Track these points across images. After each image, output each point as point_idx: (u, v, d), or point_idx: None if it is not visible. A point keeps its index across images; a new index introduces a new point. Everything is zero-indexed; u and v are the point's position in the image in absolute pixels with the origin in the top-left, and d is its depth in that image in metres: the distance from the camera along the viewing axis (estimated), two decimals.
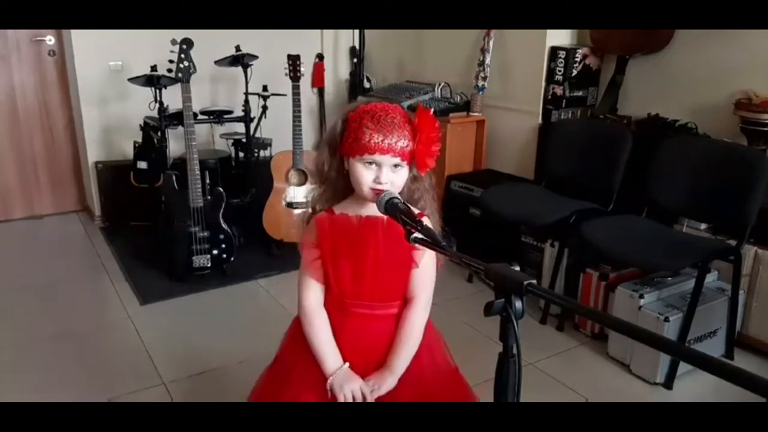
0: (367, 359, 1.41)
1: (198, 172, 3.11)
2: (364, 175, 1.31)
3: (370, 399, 1.35)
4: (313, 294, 1.42)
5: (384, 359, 1.41)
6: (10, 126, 4.05)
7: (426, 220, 1.34)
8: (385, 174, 1.30)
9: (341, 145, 1.35)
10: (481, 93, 3.64)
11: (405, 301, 1.43)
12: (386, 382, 1.37)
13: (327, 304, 1.42)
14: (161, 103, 3.44)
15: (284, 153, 3.49)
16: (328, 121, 4.62)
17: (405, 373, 1.40)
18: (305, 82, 4.23)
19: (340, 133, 1.36)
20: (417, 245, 1.13)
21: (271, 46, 3.75)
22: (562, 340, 2.72)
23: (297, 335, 1.47)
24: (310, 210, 1.44)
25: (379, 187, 1.30)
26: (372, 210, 1.33)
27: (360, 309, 1.40)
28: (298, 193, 3.46)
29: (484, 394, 1.48)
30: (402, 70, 4.42)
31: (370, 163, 1.31)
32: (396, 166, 1.32)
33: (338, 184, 1.40)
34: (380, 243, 1.36)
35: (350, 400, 1.34)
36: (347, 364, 1.38)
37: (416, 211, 1.29)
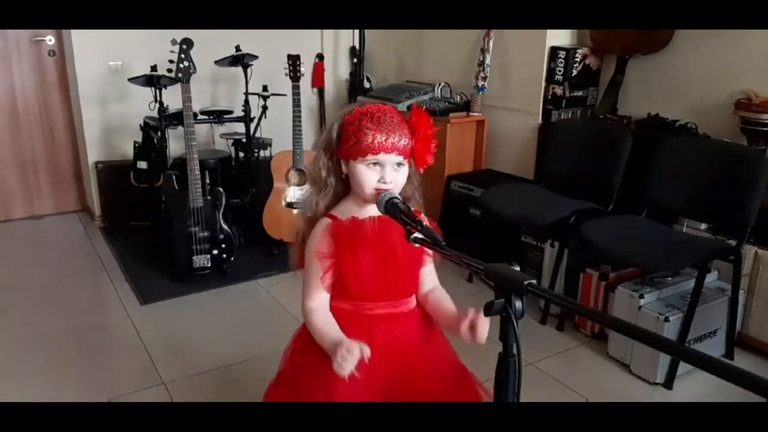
0: (399, 362, 1.40)
1: (198, 172, 3.11)
2: (368, 176, 1.32)
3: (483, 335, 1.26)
4: (321, 297, 1.39)
5: (414, 358, 1.42)
6: (11, 126, 4.05)
7: (424, 218, 1.34)
8: (388, 173, 1.31)
9: (339, 149, 1.35)
10: (481, 93, 3.64)
11: (425, 295, 1.47)
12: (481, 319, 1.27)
13: (349, 317, 1.39)
14: (161, 103, 3.44)
15: (284, 153, 3.49)
16: (327, 121, 4.62)
17: (426, 367, 1.42)
18: (305, 82, 4.23)
19: (337, 137, 1.36)
20: (417, 245, 1.14)
21: (271, 46, 3.75)
22: (562, 340, 2.72)
23: (300, 348, 1.47)
24: (308, 215, 1.42)
25: (383, 186, 1.31)
26: (372, 211, 1.33)
27: (384, 309, 1.41)
28: (298, 193, 3.46)
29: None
30: (402, 70, 4.42)
31: (374, 164, 1.31)
32: (398, 165, 1.33)
33: (337, 189, 1.40)
34: (396, 241, 1.35)
35: (357, 356, 1.26)
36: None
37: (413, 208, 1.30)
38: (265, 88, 3.69)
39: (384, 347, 1.40)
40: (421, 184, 1.45)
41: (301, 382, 1.42)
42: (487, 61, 3.59)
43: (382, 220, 1.36)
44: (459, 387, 1.47)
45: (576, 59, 3.31)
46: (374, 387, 1.37)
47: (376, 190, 1.31)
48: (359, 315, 1.40)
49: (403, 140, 1.31)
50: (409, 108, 3.78)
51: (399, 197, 1.27)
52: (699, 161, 2.58)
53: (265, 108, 3.71)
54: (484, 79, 3.61)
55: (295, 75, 3.45)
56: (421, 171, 1.40)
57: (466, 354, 1.57)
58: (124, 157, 4.02)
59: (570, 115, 3.39)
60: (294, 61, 3.44)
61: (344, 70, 4.79)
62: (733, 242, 2.44)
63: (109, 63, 3.93)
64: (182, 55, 3.08)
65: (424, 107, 3.68)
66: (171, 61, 3.09)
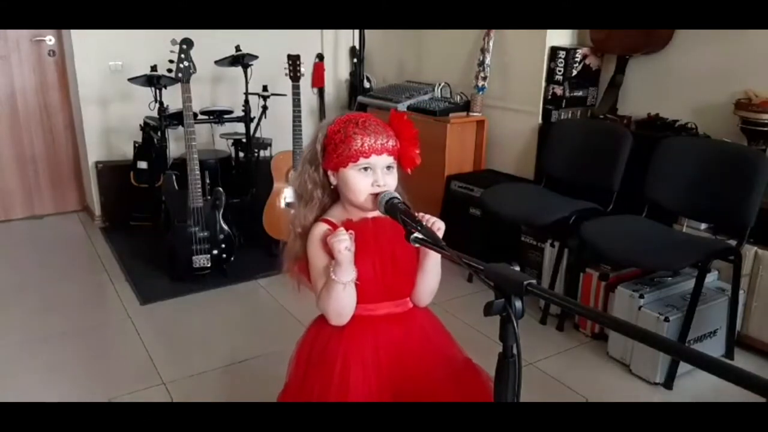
0: (405, 362, 1.40)
1: (198, 172, 3.10)
2: (361, 181, 1.32)
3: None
4: None
5: (418, 357, 1.41)
6: (11, 126, 4.05)
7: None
8: (381, 176, 1.32)
9: (326, 160, 1.36)
10: (481, 93, 3.64)
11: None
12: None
13: (353, 321, 1.38)
14: (161, 103, 3.44)
15: (284, 153, 3.49)
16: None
17: (431, 364, 1.41)
18: (305, 82, 4.22)
19: (322, 149, 1.36)
20: (417, 245, 1.13)
21: (271, 46, 3.75)
22: (562, 340, 2.72)
23: (305, 354, 1.46)
24: (298, 230, 1.41)
25: (379, 190, 1.31)
26: (362, 215, 1.35)
27: (386, 309, 1.41)
28: None
29: None
30: (402, 70, 4.42)
31: (365, 169, 1.31)
32: (388, 167, 1.34)
33: (324, 202, 1.40)
34: (393, 240, 1.35)
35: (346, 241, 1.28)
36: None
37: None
38: (265, 88, 3.69)
39: (389, 348, 1.40)
40: (404, 191, 1.43)
41: (311, 389, 1.40)
42: (487, 61, 3.59)
43: (376, 220, 1.36)
44: (464, 383, 1.46)
45: (576, 59, 3.31)
46: (384, 388, 1.37)
47: (372, 195, 1.31)
48: (363, 318, 1.39)
49: (391, 141, 1.33)
50: (408, 108, 3.78)
51: (398, 197, 1.27)
52: (699, 161, 2.58)
53: (265, 108, 3.71)
54: (484, 79, 3.61)
55: (295, 75, 3.45)
56: (409, 172, 1.39)
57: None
58: (124, 157, 4.02)
59: (570, 115, 3.39)
60: (294, 61, 3.43)
61: (344, 70, 4.79)
62: (733, 242, 2.44)
63: (109, 63, 3.93)
64: (182, 55, 3.08)
65: (424, 107, 3.70)
66: (171, 61, 3.09)
